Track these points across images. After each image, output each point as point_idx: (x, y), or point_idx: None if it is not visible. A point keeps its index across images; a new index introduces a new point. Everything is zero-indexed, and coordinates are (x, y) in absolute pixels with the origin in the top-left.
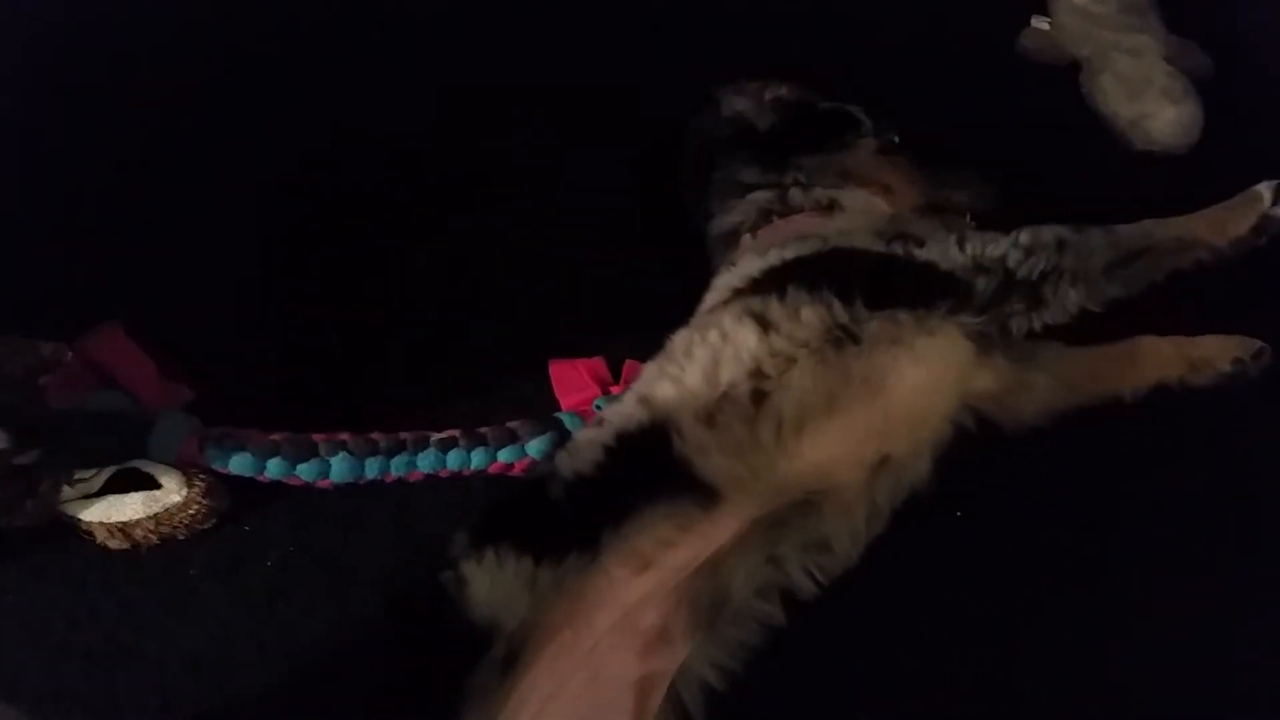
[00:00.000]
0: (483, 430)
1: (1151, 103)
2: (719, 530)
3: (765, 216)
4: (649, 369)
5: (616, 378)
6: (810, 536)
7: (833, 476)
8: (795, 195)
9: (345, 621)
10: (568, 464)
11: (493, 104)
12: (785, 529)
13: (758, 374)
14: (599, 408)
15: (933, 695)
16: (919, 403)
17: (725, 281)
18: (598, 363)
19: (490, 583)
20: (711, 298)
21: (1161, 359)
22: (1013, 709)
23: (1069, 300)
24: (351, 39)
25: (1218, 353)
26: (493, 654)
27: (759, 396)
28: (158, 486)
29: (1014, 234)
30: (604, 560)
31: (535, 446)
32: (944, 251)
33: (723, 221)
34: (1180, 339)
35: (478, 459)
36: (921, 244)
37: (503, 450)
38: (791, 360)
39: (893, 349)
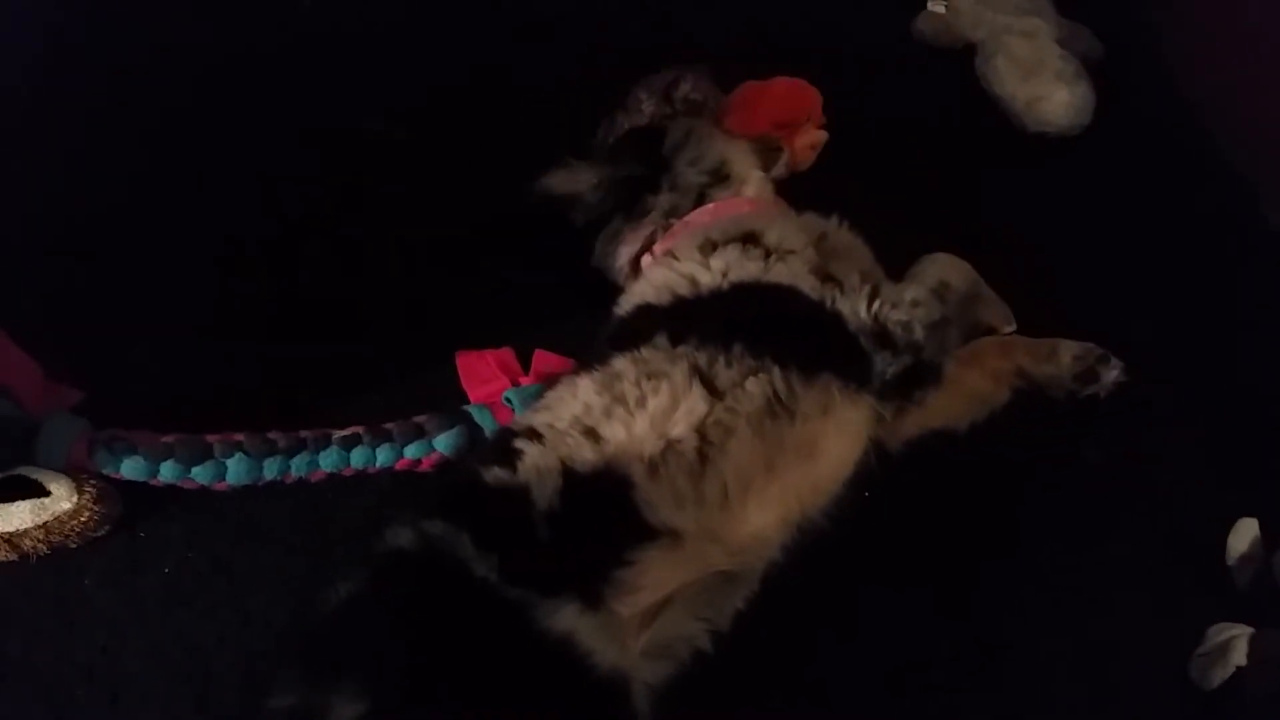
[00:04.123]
0: (388, 426)
1: (1045, 85)
2: (680, 572)
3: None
4: (584, 388)
5: (526, 367)
6: (733, 587)
7: (769, 538)
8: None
9: (245, 629)
10: (539, 491)
11: (381, 90)
12: (726, 583)
13: (702, 435)
14: (508, 399)
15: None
16: (840, 468)
17: (663, 278)
18: (506, 353)
19: None
20: (644, 290)
21: (1002, 347)
22: None
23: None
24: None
25: (1056, 348)
26: None
27: (704, 457)
28: (46, 494)
29: (908, 297)
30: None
31: (444, 441)
32: (854, 306)
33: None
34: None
35: (383, 456)
36: (842, 288)
37: (409, 446)
38: (731, 430)
39: (823, 420)
